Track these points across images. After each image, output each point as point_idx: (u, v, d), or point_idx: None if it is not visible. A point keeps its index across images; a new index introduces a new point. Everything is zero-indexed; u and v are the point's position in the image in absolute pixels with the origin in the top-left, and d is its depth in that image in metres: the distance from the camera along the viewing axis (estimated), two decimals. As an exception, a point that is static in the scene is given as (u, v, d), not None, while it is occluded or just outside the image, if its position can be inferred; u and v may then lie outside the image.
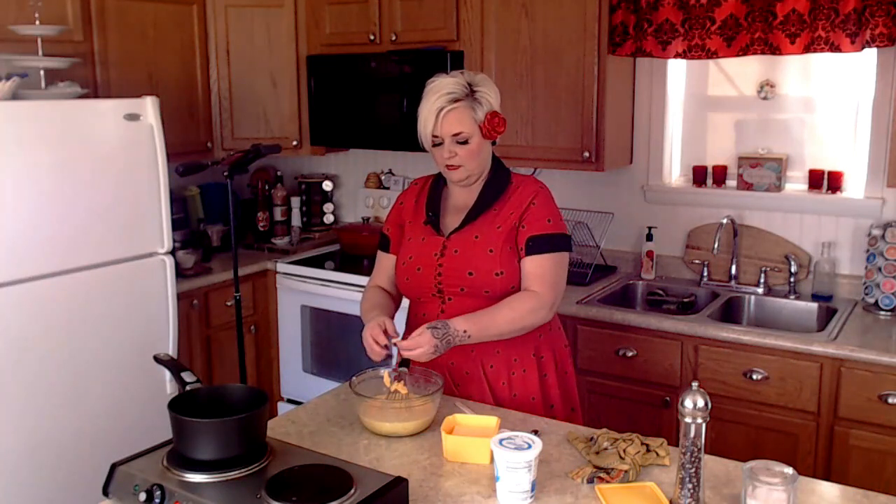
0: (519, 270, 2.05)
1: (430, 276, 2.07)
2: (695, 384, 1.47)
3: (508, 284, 2.03)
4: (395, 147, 3.75)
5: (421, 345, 1.89)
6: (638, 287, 3.36)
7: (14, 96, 2.73)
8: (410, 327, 2.14)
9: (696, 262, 3.33)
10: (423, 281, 2.08)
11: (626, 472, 1.62)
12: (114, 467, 1.56)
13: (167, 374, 2.86)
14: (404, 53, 3.49)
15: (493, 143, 2.12)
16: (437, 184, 2.19)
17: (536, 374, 2.11)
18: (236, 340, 3.25)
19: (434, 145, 2.05)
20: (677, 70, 3.36)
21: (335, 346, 3.69)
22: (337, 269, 3.69)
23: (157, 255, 3.06)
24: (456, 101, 2.00)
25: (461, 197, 2.14)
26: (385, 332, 1.98)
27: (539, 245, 2.03)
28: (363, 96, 3.65)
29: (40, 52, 2.96)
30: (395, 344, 1.96)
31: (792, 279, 3.11)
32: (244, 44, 3.79)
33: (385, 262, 2.24)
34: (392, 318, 2.09)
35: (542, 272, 2.03)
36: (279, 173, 4.30)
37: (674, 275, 3.41)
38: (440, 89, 2.01)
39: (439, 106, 2.00)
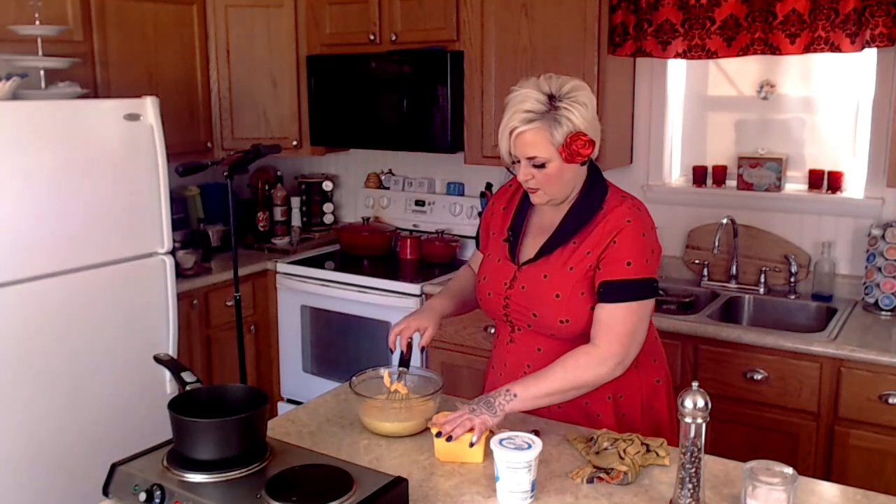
0: (588, 316, 1.82)
1: (499, 305, 1.95)
2: (695, 384, 1.47)
3: (577, 331, 1.84)
4: (395, 147, 3.75)
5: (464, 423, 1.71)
6: (638, 287, 3.36)
7: (14, 96, 2.73)
8: (495, 345, 2.08)
9: (696, 262, 3.33)
10: (493, 306, 1.98)
11: (625, 472, 1.62)
12: (114, 467, 1.56)
13: (167, 374, 2.86)
14: (404, 53, 3.48)
15: (584, 164, 1.83)
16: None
17: (613, 418, 1.91)
18: (236, 340, 3.25)
19: (513, 163, 1.83)
20: (677, 70, 3.36)
21: (335, 346, 3.69)
22: (337, 269, 3.69)
23: (157, 255, 3.06)
24: (531, 120, 1.74)
25: (547, 215, 1.93)
26: (409, 342, 2.00)
27: (612, 293, 1.79)
28: (363, 96, 3.65)
29: (40, 52, 2.96)
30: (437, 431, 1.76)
31: (792, 279, 3.11)
32: (244, 44, 3.79)
33: (475, 257, 2.18)
34: (460, 306, 2.14)
35: (612, 323, 1.79)
36: (279, 173, 4.30)
37: (674, 275, 3.40)
38: (519, 103, 1.76)
39: (512, 126, 1.76)
